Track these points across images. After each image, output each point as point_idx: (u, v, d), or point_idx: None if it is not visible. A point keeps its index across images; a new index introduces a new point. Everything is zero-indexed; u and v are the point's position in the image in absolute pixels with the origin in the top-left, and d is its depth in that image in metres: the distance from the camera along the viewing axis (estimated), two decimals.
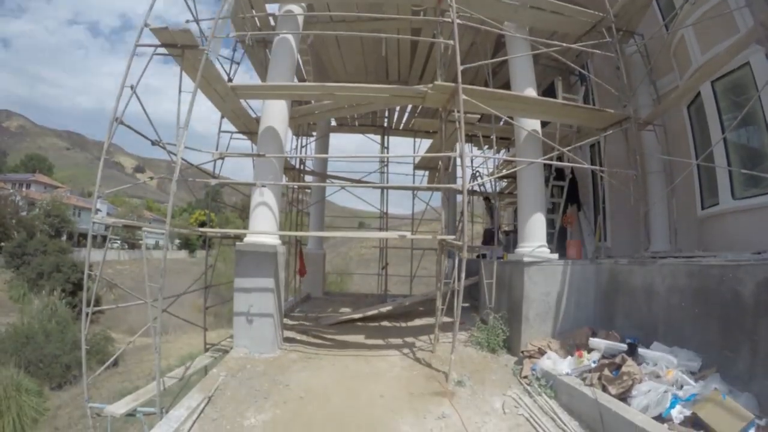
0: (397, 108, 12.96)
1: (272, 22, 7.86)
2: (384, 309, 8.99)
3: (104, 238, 23.91)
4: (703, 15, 6.10)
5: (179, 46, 5.34)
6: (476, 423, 4.51)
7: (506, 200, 14.31)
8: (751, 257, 4.44)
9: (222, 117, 7.59)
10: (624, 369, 4.58)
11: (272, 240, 6.52)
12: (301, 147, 11.53)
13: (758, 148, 5.93)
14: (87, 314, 5.28)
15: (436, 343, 6.63)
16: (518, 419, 4.64)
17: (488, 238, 11.80)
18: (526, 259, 6.58)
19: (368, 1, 7.56)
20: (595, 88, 9.21)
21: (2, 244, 30.80)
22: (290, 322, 8.21)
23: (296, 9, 7.08)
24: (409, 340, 7.38)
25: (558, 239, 8.50)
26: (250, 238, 6.56)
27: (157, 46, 5.38)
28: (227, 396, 4.92)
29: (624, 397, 4.43)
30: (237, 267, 6.31)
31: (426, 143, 14.18)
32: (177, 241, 51.30)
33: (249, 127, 7.90)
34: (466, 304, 7.96)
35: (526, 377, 5.56)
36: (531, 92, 7.07)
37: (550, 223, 8.20)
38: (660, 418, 3.97)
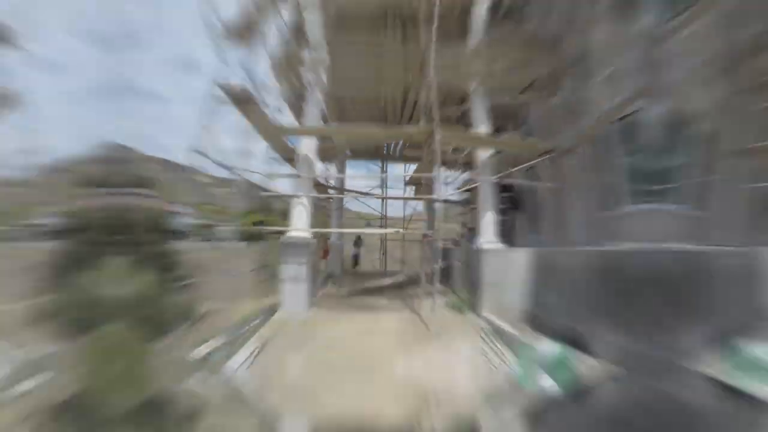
0: (393, 142, 13.05)
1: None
2: (394, 280, 9.08)
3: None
4: (605, 78, 6.16)
5: (240, 99, 5.46)
6: (447, 358, 4.58)
7: (469, 206, 14.30)
8: (639, 247, 4.51)
9: (268, 147, 7.71)
10: None
11: (306, 234, 6.62)
12: (326, 170, 11.63)
13: (651, 169, 5.97)
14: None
15: (421, 307, 6.70)
16: (477, 356, 4.69)
17: None
18: (483, 247, 6.65)
19: (374, 75, 7.70)
20: (535, 126, 9.22)
21: None
22: (319, 292, 8.27)
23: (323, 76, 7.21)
24: (403, 304, 7.43)
25: (504, 234, 8.50)
26: (290, 233, 6.66)
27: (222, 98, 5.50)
28: (274, 344, 4.99)
29: None
30: (281, 253, 6.42)
31: (413, 167, 14.24)
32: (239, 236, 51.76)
33: (287, 154, 8.03)
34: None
35: (483, 330, 5.61)
36: (485, 130, 7.15)
37: (501, 223, 8.23)
38: None
